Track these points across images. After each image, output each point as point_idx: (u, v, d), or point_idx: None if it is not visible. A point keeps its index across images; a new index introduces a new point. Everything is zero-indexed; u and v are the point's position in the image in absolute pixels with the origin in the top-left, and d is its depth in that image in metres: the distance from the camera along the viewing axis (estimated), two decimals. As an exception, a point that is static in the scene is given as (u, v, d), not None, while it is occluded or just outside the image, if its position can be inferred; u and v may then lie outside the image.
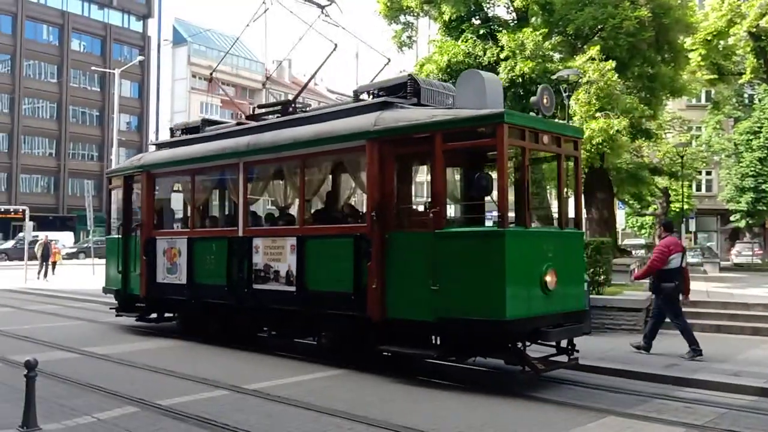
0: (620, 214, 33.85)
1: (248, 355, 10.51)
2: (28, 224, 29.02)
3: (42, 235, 30.96)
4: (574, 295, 8.81)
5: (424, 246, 8.36)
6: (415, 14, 21.46)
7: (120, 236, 13.47)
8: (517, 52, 17.50)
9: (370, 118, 9.14)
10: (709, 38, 24.43)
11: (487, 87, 8.58)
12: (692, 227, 42.45)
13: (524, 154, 8.33)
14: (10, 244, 47.78)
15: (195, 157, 11.97)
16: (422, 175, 11.09)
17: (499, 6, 20.76)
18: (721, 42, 25.52)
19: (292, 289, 9.84)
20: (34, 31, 61.14)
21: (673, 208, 37.99)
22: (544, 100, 8.65)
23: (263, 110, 12.29)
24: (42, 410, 6.33)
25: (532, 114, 8.77)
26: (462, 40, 18.96)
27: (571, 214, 9.21)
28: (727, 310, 13.89)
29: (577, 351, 8.79)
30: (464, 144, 8.54)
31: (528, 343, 8.42)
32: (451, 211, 9.27)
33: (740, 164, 39.73)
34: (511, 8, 19.98)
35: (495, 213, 9.46)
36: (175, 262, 12.01)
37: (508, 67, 17.64)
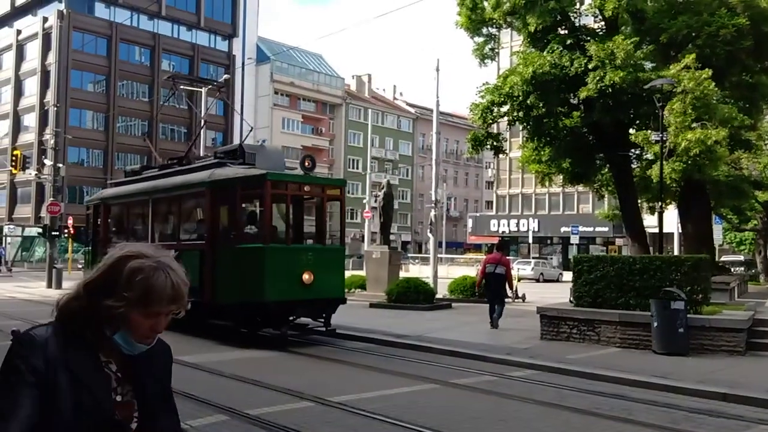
0: (717, 229, 32.13)
1: (332, 367, 10.57)
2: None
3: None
4: (330, 288, 13.10)
5: (233, 256, 12.92)
6: (498, 26, 21.12)
7: (91, 248, 18.67)
8: (607, 61, 16.84)
9: (208, 173, 13.69)
10: (812, 45, 22.97)
11: (271, 155, 14.56)
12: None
13: (287, 198, 13.11)
14: (103, 254, 50.22)
15: (128, 194, 17.13)
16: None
17: (587, 15, 20.14)
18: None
19: None
20: (127, 53, 64.27)
21: (774, 224, 35.79)
22: (306, 163, 13.09)
23: (171, 161, 17.13)
24: (137, 415, 6.44)
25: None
26: (547, 51, 18.37)
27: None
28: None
29: (330, 324, 13.01)
30: (252, 191, 13.25)
31: (293, 318, 12.92)
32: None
33: None
34: (600, 17, 19.37)
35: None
36: None
37: (597, 77, 16.98)
